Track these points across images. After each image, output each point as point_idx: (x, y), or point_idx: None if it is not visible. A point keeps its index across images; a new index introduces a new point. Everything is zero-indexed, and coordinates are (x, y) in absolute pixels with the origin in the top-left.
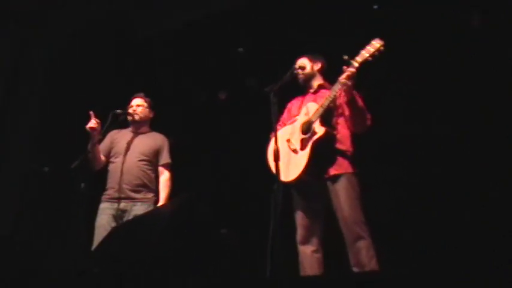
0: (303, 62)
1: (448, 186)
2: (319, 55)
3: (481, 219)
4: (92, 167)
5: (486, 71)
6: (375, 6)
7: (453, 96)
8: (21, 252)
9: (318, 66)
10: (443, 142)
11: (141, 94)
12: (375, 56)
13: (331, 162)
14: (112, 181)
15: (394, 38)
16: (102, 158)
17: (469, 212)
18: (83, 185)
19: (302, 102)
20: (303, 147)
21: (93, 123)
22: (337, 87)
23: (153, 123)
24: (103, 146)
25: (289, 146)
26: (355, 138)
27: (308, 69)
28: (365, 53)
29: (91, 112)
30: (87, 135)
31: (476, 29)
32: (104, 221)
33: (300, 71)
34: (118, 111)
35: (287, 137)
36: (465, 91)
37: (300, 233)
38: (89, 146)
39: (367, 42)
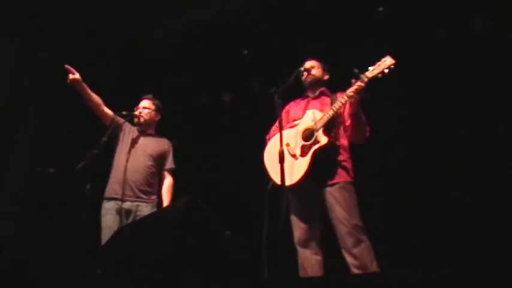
0: (315, 63)
1: (447, 184)
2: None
3: (480, 218)
4: (90, 107)
5: (490, 74)
6: (380, 9)
7: (455, 100)
8: (25, 254)
9: (326, 76)
10: (443, 145)
11: (150, 96)
12: (385, 74)
13: (330, 170)
14: (117, 178)
15: (398, 40)
16: (97, 100)
17: (468, 211)
18: (88, 186)
19: (305, 107)
20: (303, 154)
21: (71, 77)
22: (343, 99)
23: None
24: (115, 116)
25: (288, 150)
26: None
27: (319, 73)
28: (375, 70)
29: (67, 66)
30: (90, 135)
31: (480, 31)
32: (111, 221)
33: (311, 70)
34: (123, 112)
35: (286, 141)
36: (468, 96)
37: (298, 236)
38: (84, 98)
39: (371, 44)
